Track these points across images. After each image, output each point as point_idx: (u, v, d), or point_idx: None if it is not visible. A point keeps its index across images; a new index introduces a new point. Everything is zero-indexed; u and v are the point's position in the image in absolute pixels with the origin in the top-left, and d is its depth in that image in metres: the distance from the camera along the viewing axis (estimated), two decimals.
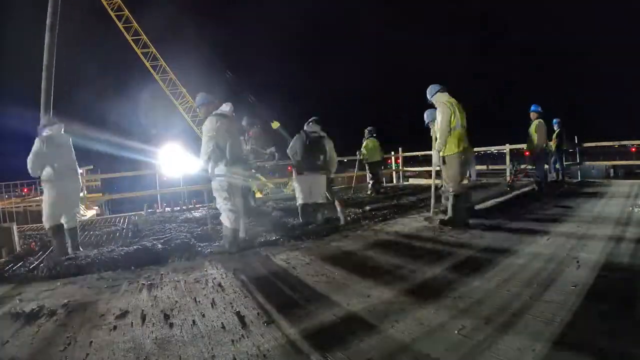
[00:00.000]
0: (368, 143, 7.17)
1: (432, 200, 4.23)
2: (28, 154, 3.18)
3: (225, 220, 3.18)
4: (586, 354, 1.28)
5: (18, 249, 3.49)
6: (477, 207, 4.58)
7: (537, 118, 6.06)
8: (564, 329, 1.45)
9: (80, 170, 3.55)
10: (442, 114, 3.53)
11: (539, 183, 5.93)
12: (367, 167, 7.38)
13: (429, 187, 7.28)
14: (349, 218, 4.43)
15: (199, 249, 3.31)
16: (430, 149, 4.13)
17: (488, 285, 1.99)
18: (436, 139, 3.72)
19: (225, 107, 3.23)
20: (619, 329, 1.44)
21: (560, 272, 2.11)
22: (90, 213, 9.25)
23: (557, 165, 7.51)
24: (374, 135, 7.23)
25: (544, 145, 6.12)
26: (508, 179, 7.63)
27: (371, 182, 7.26)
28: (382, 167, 8.24)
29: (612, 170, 9.04)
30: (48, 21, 2.92)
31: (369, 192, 7.15)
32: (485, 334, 1.45)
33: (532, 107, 6.22)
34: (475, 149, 11.01)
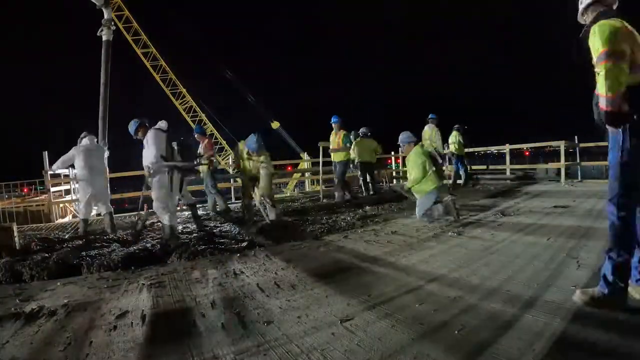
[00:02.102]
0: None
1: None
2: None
3: (164, 218, 3.61)
4: (587, 354, 1.28)
5: (18, 249, 3.49)
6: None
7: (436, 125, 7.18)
8: (564, 329, 1.46)
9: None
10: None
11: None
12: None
13: None
14: (348, 218, 4.43)
15: (199, 249, 3.31)
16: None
17: (488, 284, 1.99)
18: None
19: (163, 124, 3.78)
20: (620, 329, 1.43)
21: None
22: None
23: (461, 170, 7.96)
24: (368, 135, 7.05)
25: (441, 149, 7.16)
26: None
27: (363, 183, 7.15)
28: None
29: None
30: (102, 79, 3.34)
31: (371, 193, 7.10)
32: (485, 333, 1.45)
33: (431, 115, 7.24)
34: (476, 149, 11.15)
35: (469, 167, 8.27)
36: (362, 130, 6.90)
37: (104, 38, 3.27)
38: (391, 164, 10.43)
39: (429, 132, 7.14)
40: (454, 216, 3.93)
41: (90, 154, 4.40)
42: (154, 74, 21.01)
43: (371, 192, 6.86)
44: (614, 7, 1.70)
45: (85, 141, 4.48)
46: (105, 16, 3.23)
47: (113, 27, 3.26)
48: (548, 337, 1.39)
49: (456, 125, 7.80)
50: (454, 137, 7.72)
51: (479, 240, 3.00)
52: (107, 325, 1.74)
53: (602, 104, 1.53)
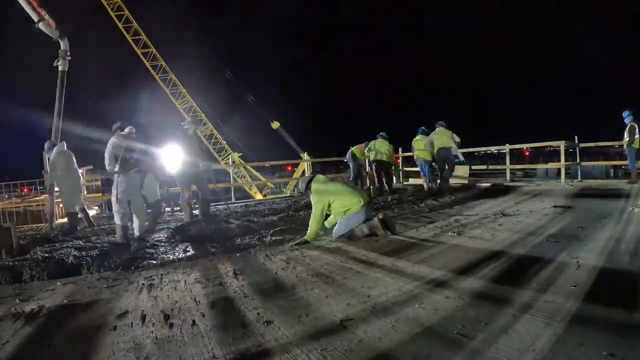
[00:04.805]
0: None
1: None
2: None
3: (116, 218, 3.78)
4: (586, 354, 1.28)
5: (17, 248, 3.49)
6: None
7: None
8: (564, 329, 1.46)
9: (80, 170, 4.23)
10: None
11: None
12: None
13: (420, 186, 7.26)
14: None
15: (199, 249, 3.31)
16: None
17: (488, 284, 1.99)
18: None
19: (127, 130, 4.01)
20: (620, 330, 1.43)
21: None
22: (90, 213, 9.23)
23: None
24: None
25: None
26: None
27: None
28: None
29: (612, 171, 9.09)
30: (56, 109, 3.56)
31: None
32: (485, 334, 1.45)
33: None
34: (476, 149, 11.23)
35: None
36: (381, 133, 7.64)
37: (60, 68, 3.41)
38: (398, 163, 10.47)
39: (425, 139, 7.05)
40: (380, 234, 3.34)
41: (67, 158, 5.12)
42: (154, 74, 21.02)
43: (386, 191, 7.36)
44: None
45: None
46: (62, 47, 3.37)
47: (69, 58, 3.39)
48: (548, 338, 1.39)
49: (422, 128, 7.40)
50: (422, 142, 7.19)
51: (479, 240, 3.00)
52: (107, 325, 1.74)
53: None
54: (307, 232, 3.38)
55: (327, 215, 3.57)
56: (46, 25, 3.32)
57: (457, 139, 6.88)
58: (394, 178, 8.69)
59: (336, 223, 3.48)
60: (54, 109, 3.46)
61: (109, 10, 20.10)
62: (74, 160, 4.99)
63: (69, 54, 3.49)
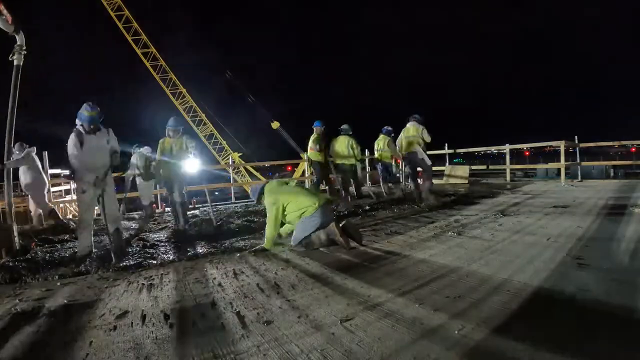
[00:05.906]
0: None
1: None
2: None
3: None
4: (586, 353, 1.28)
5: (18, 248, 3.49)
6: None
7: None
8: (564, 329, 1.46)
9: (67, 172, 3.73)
10: None
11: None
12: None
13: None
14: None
15: (199, 249, 3.31)
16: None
17: (488, 285, 1.99)
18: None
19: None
20: (618, 330, 1.43)
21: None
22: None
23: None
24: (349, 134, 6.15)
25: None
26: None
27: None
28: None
29: (612, 171, 9.12)
30: (10, 104, 3.55)
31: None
32: (485, 334, 1.45)
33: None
34: (475, 149, 11.24)
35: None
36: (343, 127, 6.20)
37: (15, 63, 3.37)
38: (399, 163, 10.37)
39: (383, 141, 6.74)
40: (340, 242, 3.02)
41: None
42: (154, 74, 21.04)
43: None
44: None
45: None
46: (18, 42, 3.33)
47: (24, 52, 3.35)
48: (548, 337, 1.39)
49: (387, 128, 6.90)
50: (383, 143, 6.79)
51: (479, 240, 3.00)
52: (107, 325, 1.74)
53: None
54: (265, 239, 3.17)
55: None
56: (2, 20, 3.25)
57: (427, 139, 5.87)
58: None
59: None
60: (8, 107, 3.41)
61: (109, 10, 20.11)
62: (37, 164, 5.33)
63: (24, 48, 3.44)
